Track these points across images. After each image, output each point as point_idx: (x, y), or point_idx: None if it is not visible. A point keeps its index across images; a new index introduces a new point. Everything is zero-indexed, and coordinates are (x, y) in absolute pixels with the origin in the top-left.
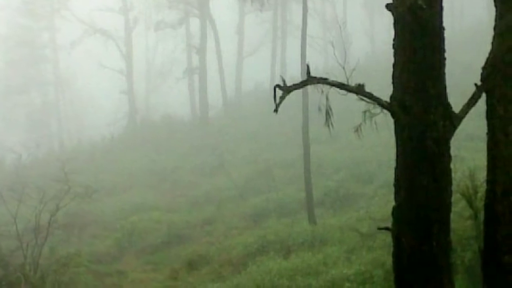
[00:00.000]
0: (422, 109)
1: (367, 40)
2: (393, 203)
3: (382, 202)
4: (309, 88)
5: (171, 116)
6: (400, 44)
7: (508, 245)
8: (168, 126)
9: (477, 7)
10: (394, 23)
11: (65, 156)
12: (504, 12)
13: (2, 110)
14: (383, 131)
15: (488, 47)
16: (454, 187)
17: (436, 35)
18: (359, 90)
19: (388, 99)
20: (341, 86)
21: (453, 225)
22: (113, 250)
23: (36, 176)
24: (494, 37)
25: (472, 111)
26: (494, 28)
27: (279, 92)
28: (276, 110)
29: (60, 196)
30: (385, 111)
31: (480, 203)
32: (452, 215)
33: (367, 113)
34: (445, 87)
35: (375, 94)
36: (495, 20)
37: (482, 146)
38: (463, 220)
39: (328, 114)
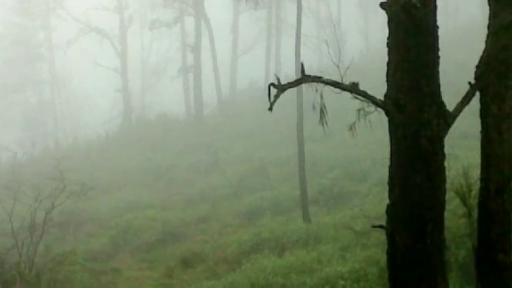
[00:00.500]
0: (416, 107)
1: (361, 38)
2: (387, 201)
3: (376, 200)
4: (304, 86)
5: (166, 115)
6: (394, 43)
7: (502, 243)
8: (163, 124)
9: (471, 5)
10: (388, 22)
11: (61, 155)
12: (498, 11)
13: None
14: (377, 130)
15: (482, 46)
16: (448, 185)
17: (430, 34)
18: (353, 88)
19: (382, 98)
20: (335, 84)
21: (447, 223)
22: (108, 248)
23: (31, 174)
24: (488, 36)
25: (466, 109)
26: (488, 27)
27: (273, 91)
28: (270, 109)
29: (56, 194)
30: (379, 109)
31: (474, 201)
32: (446, 213)
33: (361, 112)
34: (439, 86)
35: (369, 92)
36: (489, 19)
37: (476, 144)
38: (457, 218)
39: (322, 112)
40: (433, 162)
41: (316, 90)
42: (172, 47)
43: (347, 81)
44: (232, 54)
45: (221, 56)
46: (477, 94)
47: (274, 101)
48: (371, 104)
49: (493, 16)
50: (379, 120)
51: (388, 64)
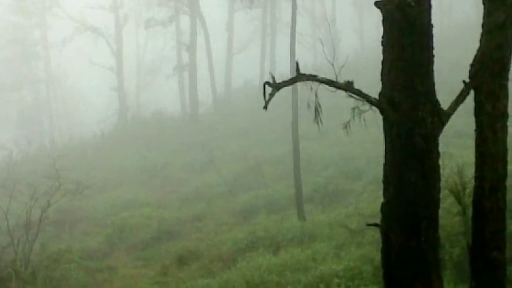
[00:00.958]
0: (410, 106)
1: (356, 37)
2: (381, 199)
3: (371, 198)
4: (299, 85)
5: (161, 113)
6: (389, 42)
7: (496, 241)
8: (158, 123)
9: (465, 4)
10: (383, 21)
11: (56, 153)
12: (492, 10)
13: None
14: (372, 128)
15: (476, 44)
16: (442, 184)
17: (424, 33)
18: (348, 87)
19: (377, 96)
20: (330, 83)
21: (441, 221)
22: (104, 246)
23: (27, 173)
24: (482, 35)
25: (461, 108)
26: (482, 26)
27: (268, 89)
28: (265, 107)
29: (51, 192)
30: (374, 108)
31: (468, 200)
32: (440, 211)
33: (356, 110)
34: (433, 84)
35: (364, 91)
36: (483, 18)
37: (471, 142)
38: (451, 216)
39: (317, 111)
40: (428, 160)
41: (311, 88)
42: (167, 45)
43: (341, 80)
44: (227, 52)
45: (216, 55)
46: (472, 92)
47: (269, 99)
48: (365, 102)
49: (487, 15)
50: (374, 118)
51: (382, 62)
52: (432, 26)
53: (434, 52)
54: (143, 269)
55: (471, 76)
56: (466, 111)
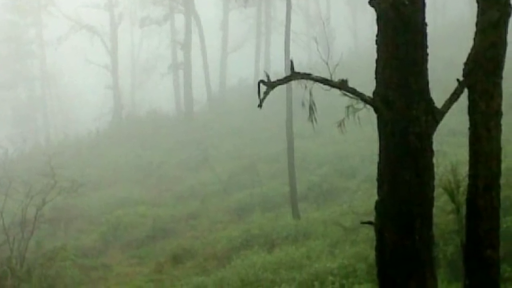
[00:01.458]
0: (404, 104)
1: (350, 36)
2: (376, 198)
3: (365, 197)
4: (293, 83)
5: (156, 111)
6: (383, 40)
7: (490, 239)
8: (153, 121)
9: (459, 2)
10: (377, 19)
11: (51, 151)
12: (486, 8)
13: None
14: (366, 126)
15: (470, 43)
16: (436, 182)
17: (418, 31)
18: (342, 85)
19: (371, 95)
20: (324, 81)
21: (435, 219)
22: (99, 244)
23: (22, 171)
24: (476, 33)
25: (454, 106)
26: (476, 24)
27: (263, 88)
28: (260, 106)
29: (46, 190)
30: (368, 106)
31: (462, 198)
32: (434, 210)
33: (350, 108)
34: (427, 83)
35: (358, 89)
36: (477, 16)
37: (464, 141)
38: (445, 214)
39: (311, 109)
40: (422, 158)
41: (306, 87)
42: (162, 44)
43: (336, 78)
44: (222, 51)
45: (211, 54)
46: (466, 91)
47: (264, 98)
48: (360, 101)
49: (481, 13)
50: (368, 117)
51: (377, 61)
52: (426, 24)
53: (428, 50)
54: (138, 267)
55: (465, 74)
56: (460, 109)
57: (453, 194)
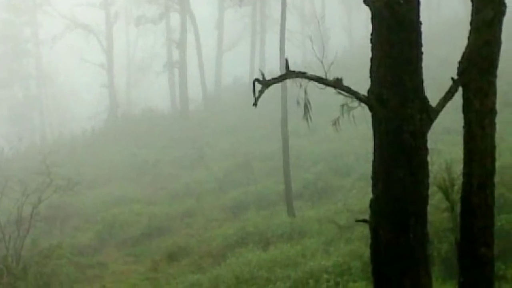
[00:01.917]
0: (399, 103)
1: (345, 34)
2: (370, 196)
3: (360, 195)
4: (288, 82)
5: (151, 110)
6: (378, 39)
7: (484, 237)
8: (148, 119)
9: (454, 0)
10: (372, 18)
11: (47, 149)
12: (480, 7)
13: None
14: (360, 125)
15: (464, 41)
16: (431, 180)
17: (413, 30)
18: (337, 84)
19: (365, 93)
20: (319, 80)
21: (430, 217)
22: (95, 242)
23: (18, 169)
24: (470, 32)
25: (449, 104)
26: (471, 23)
27: (258, 86)
28: (255, 104)
29: (42, 188)
30: (362, 104)
31: (456, 196)
32: (429, 208)
33: (345, 107)
34: (422, 81)
35: (353, 88)
36: (472, 15)
37: (459, 139)
38: (439, 212)
39: (306, 107)
40: (416, 156)
41: (300, 85)
42: (157, 43)
43: (331, 77)
44: (217, 50)
45: (206, 52)
46: (460, 89)
47: (259, 96)
48: (354, 99)
49: (475, 12)
50: (363, 115)
51: (371, 60)
52: (420, 23)
53: (423, 49)
54: (134, 265)
55: (459, 73)
56: (455, 108)
57: (448, 192)
